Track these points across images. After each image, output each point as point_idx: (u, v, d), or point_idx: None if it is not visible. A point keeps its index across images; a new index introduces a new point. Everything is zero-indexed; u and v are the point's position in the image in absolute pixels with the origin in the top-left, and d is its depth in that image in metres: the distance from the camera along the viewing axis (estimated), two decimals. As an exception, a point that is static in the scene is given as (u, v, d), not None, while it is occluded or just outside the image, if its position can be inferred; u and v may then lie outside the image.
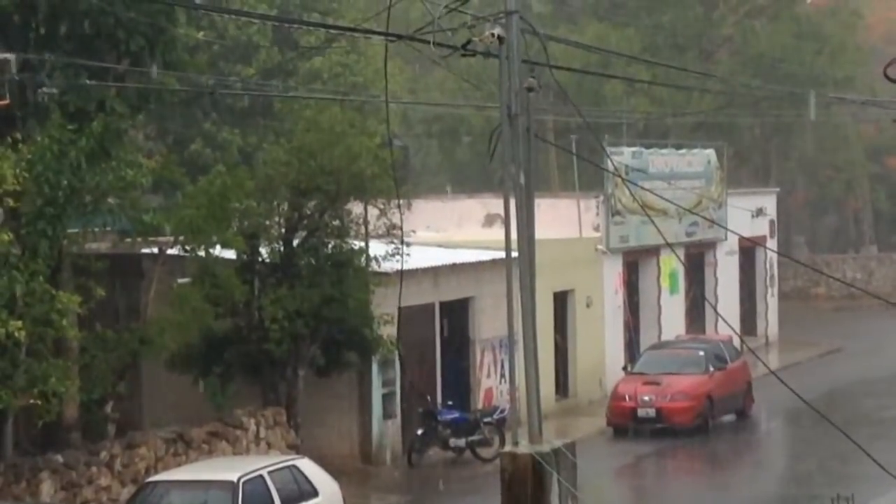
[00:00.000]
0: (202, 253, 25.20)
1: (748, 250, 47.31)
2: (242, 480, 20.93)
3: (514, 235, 16.85)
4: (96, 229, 23.76)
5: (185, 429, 25.86)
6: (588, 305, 37.86)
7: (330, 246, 28.28)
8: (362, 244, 28.60)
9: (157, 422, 27.84)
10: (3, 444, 23.35)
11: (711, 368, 34.04)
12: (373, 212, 28.69)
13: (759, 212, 47.73)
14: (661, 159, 41.97)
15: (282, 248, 28.22)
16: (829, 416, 18.75)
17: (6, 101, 21.80)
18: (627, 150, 40.21)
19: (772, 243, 48.18)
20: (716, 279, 45.18)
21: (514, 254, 16.87)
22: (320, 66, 37.01)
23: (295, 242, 28.33)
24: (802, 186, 65.38)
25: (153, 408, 29.39)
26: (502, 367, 33.63)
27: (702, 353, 34.66)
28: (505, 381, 33.15)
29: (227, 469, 21.94)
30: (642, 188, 32.41)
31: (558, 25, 51.28)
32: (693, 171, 43.27)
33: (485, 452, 29.51)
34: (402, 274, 21.32)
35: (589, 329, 37.75)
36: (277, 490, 21.30)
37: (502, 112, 16.72)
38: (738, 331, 38.70)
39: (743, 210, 44.57)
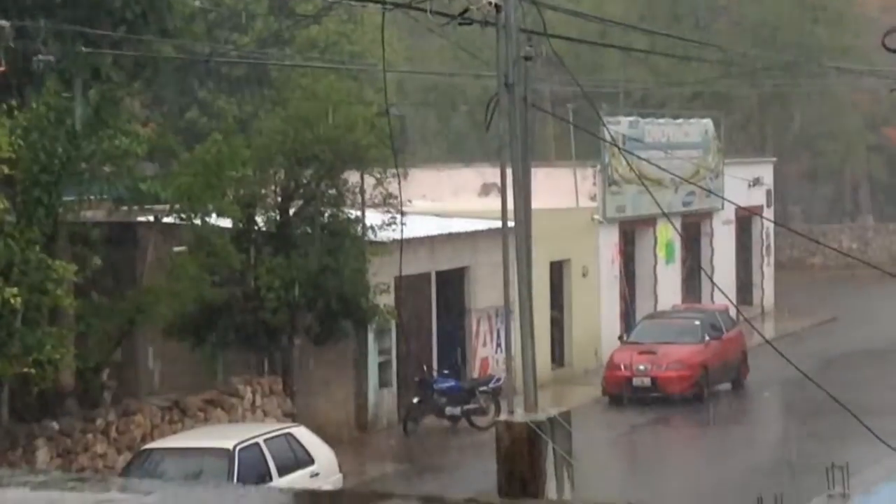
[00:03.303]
0: (198, 221, 25.18)
1: (744, 220, 47.30)
2: (238, 448, 20.98)
3: (510, 205, 16.85)
4: (92, 197, 23.74)
5: (181, 396, 25.90)
6: (584, 275, 37.87)
7: (326, 215, 28.27)
8: (358, 213, 28.59)
9: (153, 389, 27.87)
10: (-1, 412, 23.40)
11: (707, 338, 34.09)
12: (369, 181, 28.67)
13: (756, 182, 47.69)
14: (658, 129, 41.92)
15: (278, 217, 28.20)
16: (824, 386, 18.77)
17: (2, 69, 21.75)
18: (624, 120, 40.16)
19: (768, 213, 48.17)
20: (712, 249, 45.18)
21: (511, 223, 16.86)
22: (317, 34, 36.91)
23: (291, 211, 28.31)
24: (799, 156, 65.31)
25: (149, 375, 29.42)
26: (498, 336, 33.66)
27: (697, 322, 34.71)
28: (501, 351, 33.19)
29: (223, 437, 21.98)
30: (639, 158, 32.38)
31: (555, -6, 51.07)
32: (690, 141, 43.22)
33: (480, 421, 29.56)
34: (401, 243, 21.32)
35: (585, 298, 37.78)
36: (273, 458, 21.35)
37: (499, 81, 16.69)
38: (733, 300, 38.70)
39: (739, 180, 44.54)
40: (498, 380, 30.21)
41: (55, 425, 23.38)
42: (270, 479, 21.03)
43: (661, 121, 42.89)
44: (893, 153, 67.71)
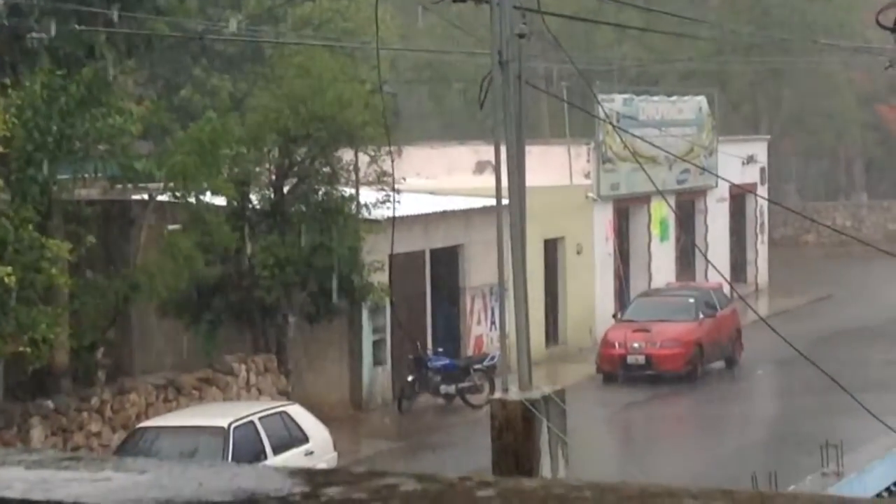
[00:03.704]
0: (192, 200, 25.17)
1: (738, 198, 47.32)
2: (233, 426, 21.00)
3: (504, 183, 16.83)
4: (86, 176, 23.71)
5: (176, 375, 25.92)
6: (578, 253, 37.89)
7: (320, 193, 28.25)
8: (352, 191, 28.57)
9: (148, 368, 27.88)
10: (-7, 391, 23.40)
11: (701, 316, 34.12)
12: (363, 159, 28.64)
13: (750, 159, 47.69)
14: (652, 107, 41.89)
15: (272, 195, 28.18)
16: (819, 363, 18.80)
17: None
18: (619, 98, 40.12)
19: (762, 191, 48.19)
20: (706, 227, 45.21)
21: (505, 201, 16.85)
22: (311, 11, 36.84)
23: (285, 189, 28.29)
24: (793, 134, 65.31)
25: (144, 354, 29.43)
26: (492, 314, 33.66)
27: (691, 300, 34.74)
28: (495, 329, 33.20)
29: (218, 415, 22.00)
30: (633, 135, 32.36)
31: (550, -29, 51.00)
32: (684, 119, 43.20)
33: (475, 399, 29.59)
34: (394, 221, 21.30)
35: (579, 276, 37.80)
36: (268, 436, 21.37)
37: (493, 59, 16.66)
38: (727, 278, 38.74)
39: (734, 157, 44.54)
40: (492, 358, 30.23)
41: (50, 404, 23.39)
42: (265, 457, 21.07)
43: (656, 98, 42.87)
44: (887, 131, 67.72)
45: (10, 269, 20.69)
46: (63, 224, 23.62)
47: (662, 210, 41.47)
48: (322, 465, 21.68)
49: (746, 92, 61.06)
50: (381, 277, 28.76)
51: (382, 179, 28.08)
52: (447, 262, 33.09)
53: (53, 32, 22.56)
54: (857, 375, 28.36)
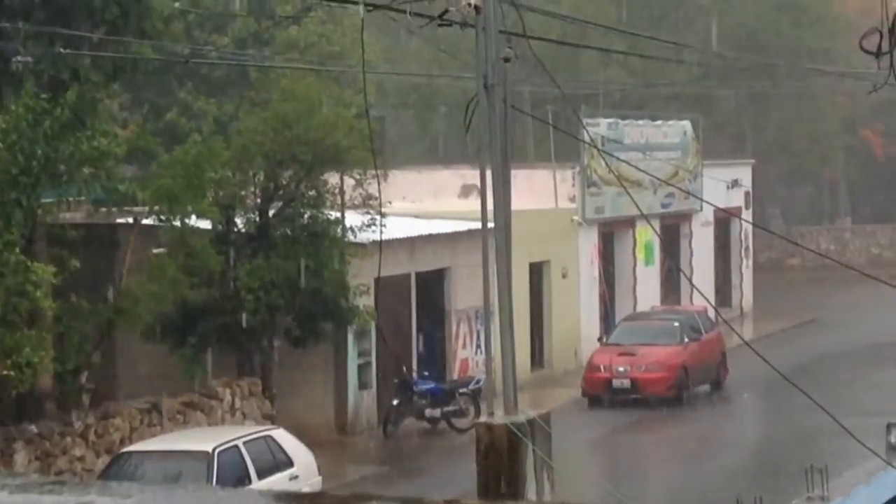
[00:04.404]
0: (177, 223, 25.12)
1: (723, 222, 47.40)
2: (217, 451, 20.93)
3: (490, 206, 16.84)
4: (71, 199, 23.67)
5: (160, 399, 25.83)
6: (564, 276, 37.90)
7: (306, 216, 28.24)
8: (338, 215, 28.56)
9: (132, 392, 27.79)
10: (-23, 415, 23.30)
11: (686, 339, 34.14)
12: (349, 182, 28.64)
13: (735, 183, 47.80)
14: (636, 130, 41.97)
15: (257, 219, 28.16)
16: (803, 387, 18.80)
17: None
18: (604, 122, 40.20)
19: (747, 215, 48.28)
20: (691, 250, 45.26)
21: (491, 224, 16.85)
22: (296, 35, 36.86)
23: (271, 212, 28.28)
24: (778, 158, 65.46)
25: (128, 378, 29.34)
26: (478, 337, 33.64)
27: (677, 324, 34.76)
28: (480, 352, 33.18)
29: (203, 439, 21.93)
30: (618, 159, 32.41)
31: (535, -4, 51.12)
32: (669, 143, 43.30)
33: (460, 423, 29.55)
34: (381, 244, 21.30)
35: (564, 300, 37.81)
36: (253, 460, 21.31)
37: (479, 82, 16.68)
38: (712, 302, 38.78)
39: (718, 181, 44.63)
40: (478, 381, 30.19)
41: (33, 428, 23.29)
42: (249, 481, 20.99)
43: (640, 122, 42.95)
44: (872, 155, 67.91)
45: (-6, 292, 20.63)
46: (47, 247, 23.56)
47: (647, 234, 41.52)
48: (306, 490, 21.62)
49: (731, 116, 61.22)
50: (366, 301, 28.74)
51: (368, 203, 28.08)
52: (433, 285, 33.08)
53: (37, 56, 22.55)
54: (841, 399, 28.36)
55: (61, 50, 22.89)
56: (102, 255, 27.39)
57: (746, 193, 49.06)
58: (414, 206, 36.68)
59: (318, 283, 27.59)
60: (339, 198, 28.72)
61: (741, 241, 49.25)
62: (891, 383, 34.27)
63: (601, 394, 32.83)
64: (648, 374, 32.73)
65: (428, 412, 29.89)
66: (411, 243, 31.61)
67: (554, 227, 37.37)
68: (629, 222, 40.83)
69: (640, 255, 42.31)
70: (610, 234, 41.18)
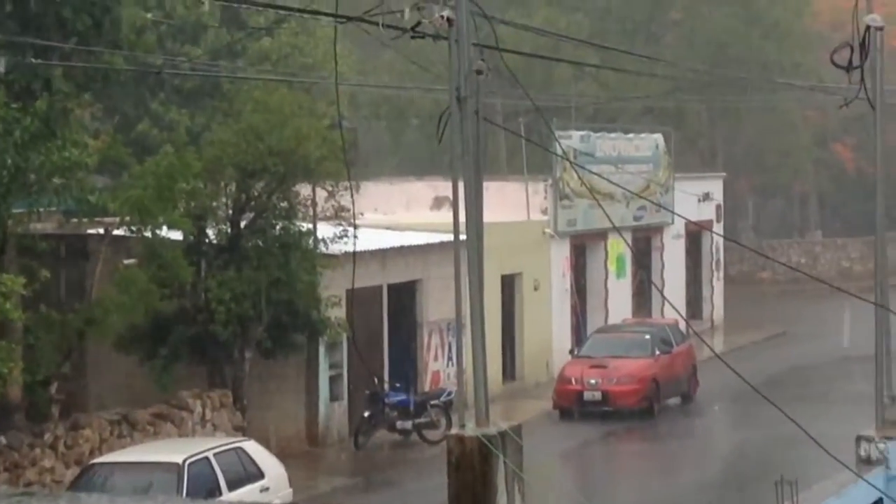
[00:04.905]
0: (148, 234, 25.07)
1: (695, 235, 47.54)
2: (188, 462, 20.87)
3: (462, 218, 16.84)
4: (41, 209, 23.58)
5: (131, 410, 25.74)
6: (535, 288, 37.93)
7: (277, 228, 28.20)
8: (310, 226, 28.53)
9: (102, 403, 27.69)
10: (-55, 426, 23.17)
11: (657, 352, 34.20)
12: (321, 194, 28.62)
13: (706, 196, 47.95)
14: (609, 143, 42.07)
15: (229, 230, 28.11)
16: (774, 399, 18.84)
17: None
18: (576, 134, 40.28)
19: (718, 228, 48.43)
20: (662, 263, 45.37)
21: (463, 236, 16.86)
22: (269, 46, 36.82)
23: (242, 224, 28.23)
24: (749, 171, 65.68)
25: (98, 389, 29.22)
26: (449, 349, 33.65)
27: (648, 336, 34.82)
28: (452, 364, 33.18)
29: (173, 451, 21.86)
30: (590, 172, 32.49)
31: (508, 9, 51.23)
32: (641, 156, 43.40)
33: (431, 435, 29.53)
34: (354, 256, 21.27)
35: (536, 312, 37.83)
36: (223, 472, 21.25)
37: (451, 95, 16.69)
38: (683, 314, 38.90)
39: (690, 195, 44.77)
40: (449, 393, 30.18)
41: (2, 439, 23.18)
42: (220, 493, 20.93)
43: (613, 135, 43.05)
44: (842, 169, 68.21)
45: (-37, 302, 20.53)
46: (17, 258, 23.46)
47: (619, 246, 41.60)
48: (277, 502, 21.57)
49: (702, 130, 61.41)
50: (338, 312, 28.71)
51: (340, 214, 28.06)
52: (405, 297, 33.06)
53: (8, 65, 22.46)
54: (811, 412, 28.43)
55: (32, 59, 22.81)
56: (73, 266, 27.30)
57: (718, 206, 49.22)
58: (386, 218, 36.67)
59: (290, 295, 27.55)
60: (311, 209, 28.69)
61: (712, 254, 49.40)
62: (861, 396, 34.40)
63: (572, 406, 32.86)
64: (619, 386, 32.78)
65: (399, 424, 29.86)
66: (383, 255, 31.60)
67: (526, 239, 37.41)
68: (601, 235, 40.91)
69: (612, 268, 42.38)
70: (582, 247, 41.25)
